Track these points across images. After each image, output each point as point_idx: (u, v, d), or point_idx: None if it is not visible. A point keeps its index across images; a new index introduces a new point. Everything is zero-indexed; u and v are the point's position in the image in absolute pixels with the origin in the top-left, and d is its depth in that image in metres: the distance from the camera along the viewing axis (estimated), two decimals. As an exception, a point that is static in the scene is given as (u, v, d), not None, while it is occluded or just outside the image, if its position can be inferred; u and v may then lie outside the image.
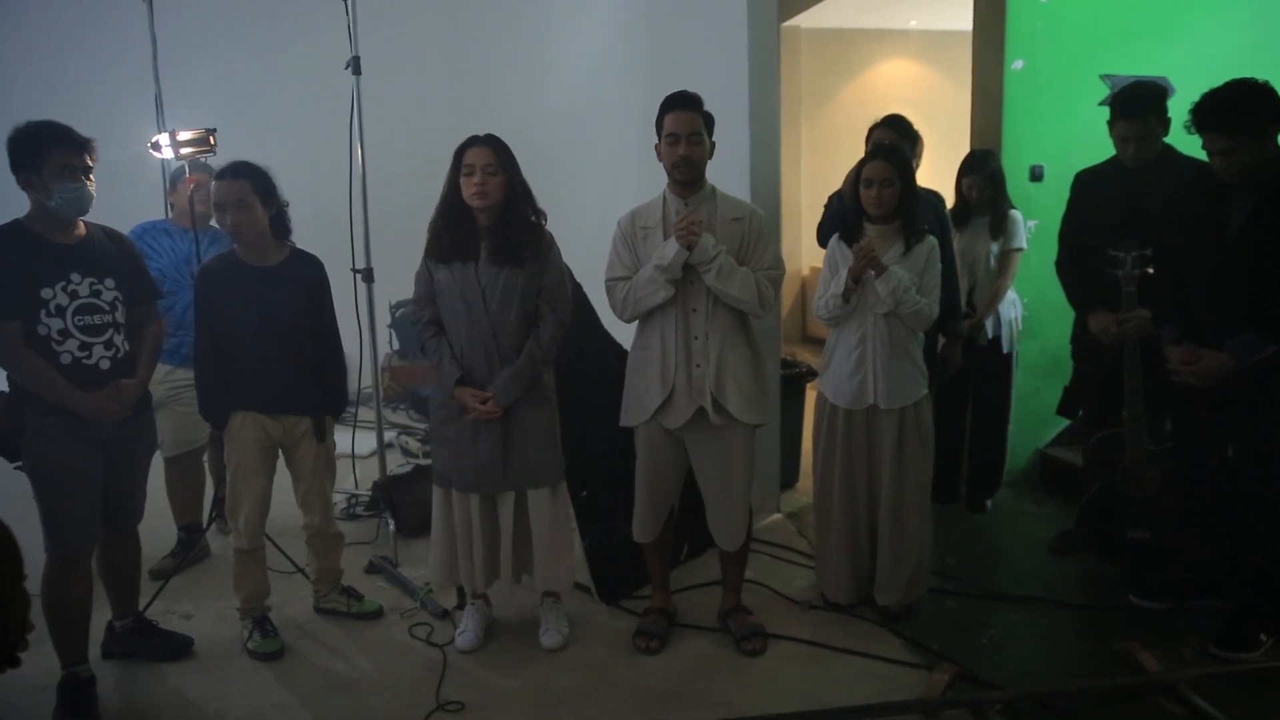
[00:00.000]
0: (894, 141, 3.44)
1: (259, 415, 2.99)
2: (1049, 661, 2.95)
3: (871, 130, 3.71)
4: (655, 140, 2.86)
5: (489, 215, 2.81)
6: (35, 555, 2.71)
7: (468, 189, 2.78)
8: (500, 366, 2.84)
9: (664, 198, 2.90)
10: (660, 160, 2.86)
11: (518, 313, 2.84)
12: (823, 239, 3.73)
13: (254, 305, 2.94)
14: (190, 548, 3.65)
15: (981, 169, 3.83)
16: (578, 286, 3.56)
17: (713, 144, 2.86)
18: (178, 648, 3.03)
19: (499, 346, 2.84)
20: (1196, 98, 2.69)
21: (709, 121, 2.83)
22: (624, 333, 3.23)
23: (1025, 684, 2.73)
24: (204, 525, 3.73)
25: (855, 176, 3.01)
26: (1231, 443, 2.88)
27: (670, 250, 2.74)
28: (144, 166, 4.06)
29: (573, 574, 3.07)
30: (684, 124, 2.78)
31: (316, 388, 3.05)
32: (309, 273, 3.05)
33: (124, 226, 3.09)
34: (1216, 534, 3.02)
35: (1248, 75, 2.66)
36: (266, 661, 2.99)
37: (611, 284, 2.91)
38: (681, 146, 2.77)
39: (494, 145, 2.80)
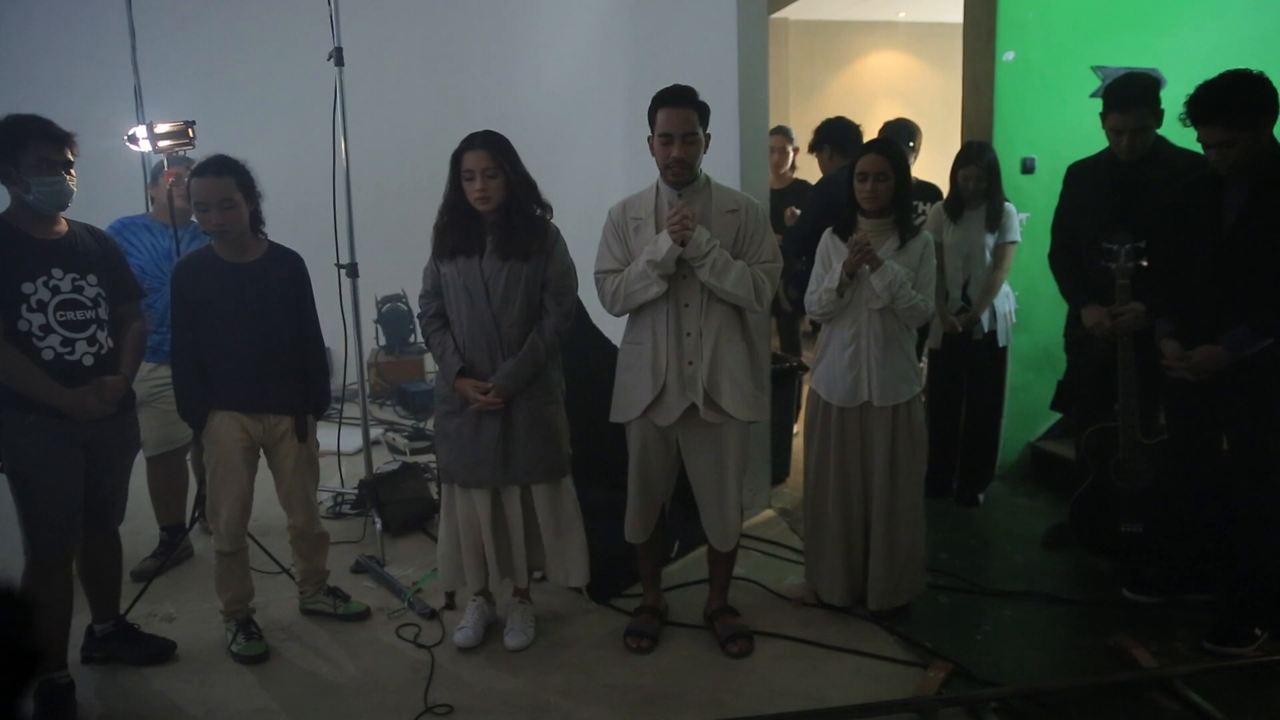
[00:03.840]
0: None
1: (239, 414, 2.94)
2: (1043, 657, 2.93)
3: (825, 138, 3.72)
4: (643, 132, 2.79)
5: (494, 213, 2.79)
6: (14, 559, 2.67)
7: (470, 194, 2.75)
8: (503, 359, 2.81)
9: (657, 188, 2.83)
10: (653, 154, 2.77)
11: (521, 305, 2.81)
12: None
13: (233, 302, 2.88)
14: (173, 548, 3.59)
15: (978, 160, 3.79)
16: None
17: (708, 136, 2.77)
18: (160, 652, 2.97)
19: (502, 339, 2.81)
20: (1188, 89, 2.67)
21: (704, 114, 2.74)
22: (609, 325, 3.19)
23: (1019, 680, 2.71)
24: (187, 525, 3.67)
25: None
26: (1226, 436, 2.87)
27: (663, 245, 2.68)
28: (122, 159, 3.99)
29: (584, 570, 3.02)
30: (678, 122, 2.69)
31: (297, 386, 3.00)
32: (288, 268, 2.99)
33: (100, 220, 3.03)
34: (1210, 528, 3.01)
35: (1239, 66, 2.63)
36: (251, 664, 2.94)
37: (601, 276, 2.85)
38: (675, 148, 2.69)
39: (490, 146, 2.75)
